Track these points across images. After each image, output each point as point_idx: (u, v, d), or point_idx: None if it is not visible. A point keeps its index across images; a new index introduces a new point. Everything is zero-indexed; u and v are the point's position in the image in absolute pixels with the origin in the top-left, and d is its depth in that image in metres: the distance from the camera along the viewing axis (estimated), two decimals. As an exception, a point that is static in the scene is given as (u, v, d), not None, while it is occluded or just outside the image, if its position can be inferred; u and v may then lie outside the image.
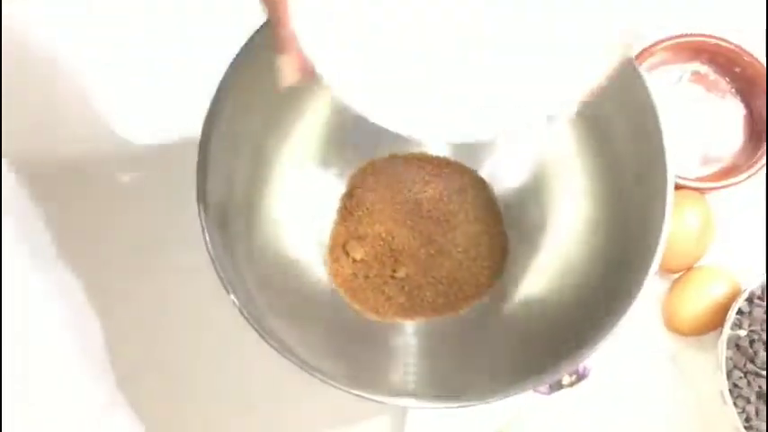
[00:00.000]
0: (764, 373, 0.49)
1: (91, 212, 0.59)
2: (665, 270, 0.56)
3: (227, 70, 0.44)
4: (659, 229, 0.43)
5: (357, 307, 0.55)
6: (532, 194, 0.55)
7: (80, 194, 0.59)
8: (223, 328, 0.54)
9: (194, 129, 0.46)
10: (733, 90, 0.59)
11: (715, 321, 0.53)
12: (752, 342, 0.50)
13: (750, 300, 0.50)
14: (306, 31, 0.30)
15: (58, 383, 0.55)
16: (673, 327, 0.55)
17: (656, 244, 0.43)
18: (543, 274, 0.53)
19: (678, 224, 0.54)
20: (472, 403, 0.43)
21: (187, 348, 0.57)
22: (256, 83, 0.45)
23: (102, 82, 0.60)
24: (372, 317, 0.54)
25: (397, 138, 0.54)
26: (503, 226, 0.56)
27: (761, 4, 0.60)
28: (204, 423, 0.55)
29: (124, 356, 0.56)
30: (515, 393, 0.42)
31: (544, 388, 0.54)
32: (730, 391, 0.49)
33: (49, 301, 0.57)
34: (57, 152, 0.60)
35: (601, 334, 0.42)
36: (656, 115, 0.44)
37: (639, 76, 0.44)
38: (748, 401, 0.49)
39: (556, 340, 0.47)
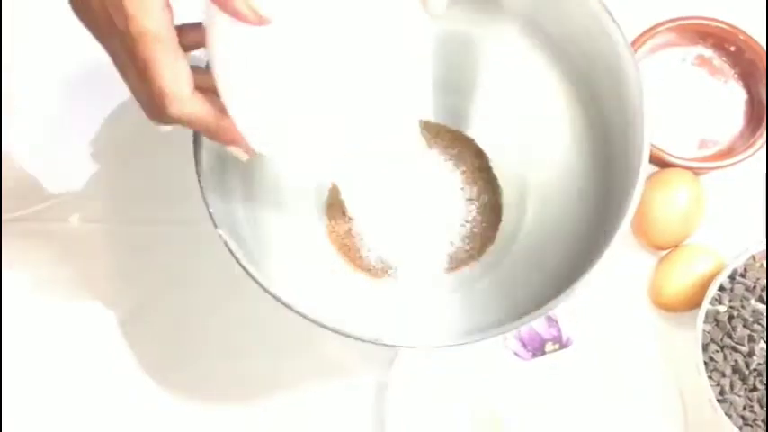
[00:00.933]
0: (741, 348, 0.50)
1: (89, 163, 0.61)
2: (654, 246, 0.57)
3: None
4: (632, 191, 0.44)
5: (351, 265, 0.56)
6: (523, 163, 0.56)
7: (83, 147, 0.61)
8: (218, 277, 0.56)
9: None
10: (735, 75, 0.60)
11: (700, 298, 0.53)
12: (731, 318, 0.51)
13: (732, 277, 0.51)
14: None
15: (58, 323, 0.58)
16: (658, 302, 0.56)
17: (628, 205, 0.44)
18: (529, 237, 0.54)
19: (669, 202, 0.55)
20: (459, 343, 0.44)
21: (182, 296, 0.59)
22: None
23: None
24: (366, 275, 0.56)
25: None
26: (498, 195, 0.57)
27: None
28: (195, 367, 0.57)
29: (124, 303, 0.59)
30: (502, 333, 0.45)
31: (526, 353, 0.56)
32: (706, 363, 0.50)
33: (47, 249, 0.59)
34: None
35: (569, 289, 0.44)
36: (639, 82, 0.45)
37: (627, 47, 0.46)
38: (723, 375, 0.50)
39: (540, 294, 0.49)
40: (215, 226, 0.43)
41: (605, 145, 0.49)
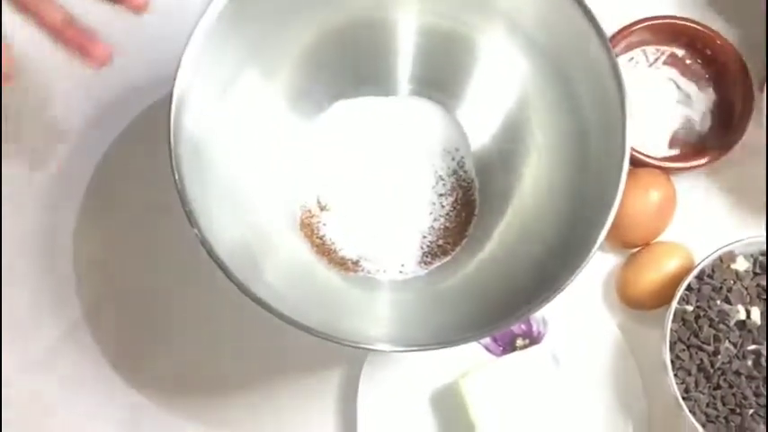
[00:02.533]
0: (707, 347, 0.51)
1: (60, 145, 0.60)
2: (624, 244, 0.57)
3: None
4: (614, 196, 0.45)
5: (325, 259, 0.56)
6: (500, 159, 0.56)
7: (46, 131, 0.60)
8: (190, 264, 0.55)
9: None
10: (707, 75, 0.61)
11: (668, 297, 0.54)
12: (697, 318, 0.52)
13: (700, 277, 0.52)
14: None
15: (18, 313, 0.57)
16: (626, 300, 0.56)
17: (610, 210, 0.45)
18: (504, 236, 0.54)
19: (640, 200, 0.55)
20: (428, 348, 0.45)
21: (153, 283, 0.58)
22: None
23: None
24: (339, 270, 0.56)
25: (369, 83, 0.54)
26: (473, 190, 0.58)
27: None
28: (165, 357, 0.57)
29: (89, 290, 0.58)
30: (473, 340, 0.46)
31: (496, 348, 0.56)
32: (672, 362, 0.51)
33: (12, 236, 0.58)
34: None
35: (549, 293, 0.44)
36: (620, 83, 0.45)
37: (605, 44, 0.46)
38: (689, 373, 0.51)
39: (511, 296, 0.49)
40: (191, 224, 0.43)
41: (585, 148, 0.49)
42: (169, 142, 0.43)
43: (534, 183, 0.54)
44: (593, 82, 0.47)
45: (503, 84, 0.55)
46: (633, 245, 0.57)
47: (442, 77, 0.57)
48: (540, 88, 0.52)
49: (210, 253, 0.42)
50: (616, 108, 0.46)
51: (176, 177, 0.43)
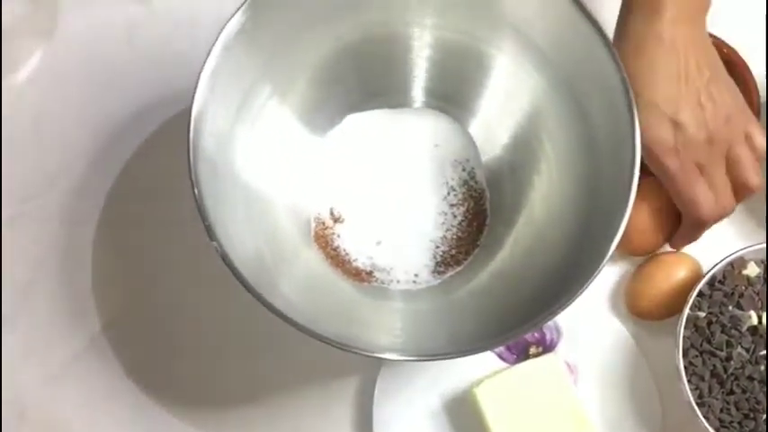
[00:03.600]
0: (719, 353, 0.51)
1: (78, 161, 0.60)
2: (631, 252, 0.58)
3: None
4: (624, 207, 0.45)
5: (339, 270, 0.57)
6: (510, 170, 0.57)
7: (66, 140, 0.61)
8: (206, 278, 0.56)
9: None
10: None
11: (677, 307, 0.54)
12: (710, 324, 0.52)
13: (711, 283, 0.53)
14: None
15: (37, 327, 0.57)
16: (635, 311, 0.57)
17: (621, 221, 0.45)
18: (515, 246, 0.55)
19: (642, 209, 0.55)
20: (443, 357, 0.45)
21: (170, 297, 0.59)
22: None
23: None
24: (353, 280, 0.56)
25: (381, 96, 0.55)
26: (484, 200, 0.58)
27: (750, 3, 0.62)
28: (183, 369, 0.57)
29: (108, 303, 0.58)
30: (485, 350, 0.47)
31: (510, 356, 0.57)
32: (685, 368, 0.51)
33: (29, 249, 0.59)
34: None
35: (563, 302, 0.44)
36: (629, 96, 0.46)
37: (614, 59, 0.46)
38: (702, 379, 0.52)
39: (523, 305, 0.50)
40: (210, 238, 0.43)
41: (595, 160, 0.50)
42: (189, 160, 0.44)
43: (545, 193, 0.54)
44: (603, 96, 0.48)
45: (514, 97, 0.55)
46: (641, 252, 0.57)
47: (454, 91, 0.58)
48: (551, 102, 0.53)
49: (231, 266, 0.43)
50: (626, 122, 0.46)
51: (196, 193, 0.44)
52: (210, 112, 0.46)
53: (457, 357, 0.44)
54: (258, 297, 0.43)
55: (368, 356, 0.44)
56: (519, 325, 0.45)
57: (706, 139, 0.49)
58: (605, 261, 0.45)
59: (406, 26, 0.54)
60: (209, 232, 0.43)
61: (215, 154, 0.48)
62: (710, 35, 0.59)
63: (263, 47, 0.49)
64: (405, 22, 0.54)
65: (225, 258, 0.43)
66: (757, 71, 0.59)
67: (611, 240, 0.45)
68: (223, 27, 0.45)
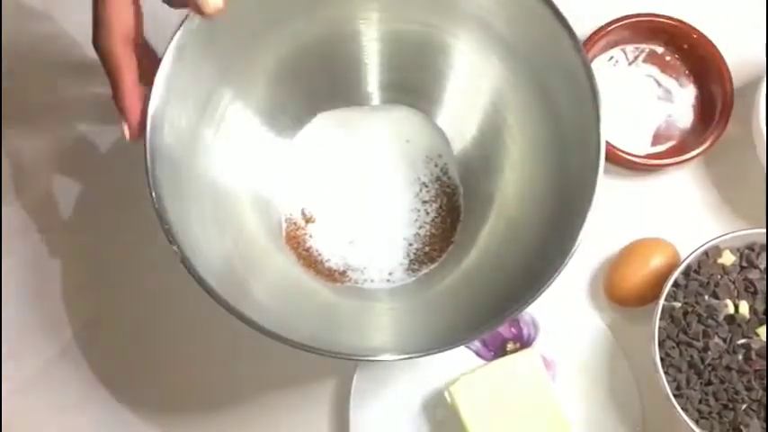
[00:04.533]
0: (696, 343, 0.51)
1: (44, 167, 0.60)
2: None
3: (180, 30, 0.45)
4: (591, 194, 0.45)
5: (311, 271, 0.56)
6: (482, 163, 0.56)
7: (32, 146, 0.60)
8: (178, 283, 0.55)
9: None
10: (687, 72, 0.61)
11: (654, 292, 0.54)
12: (685, 314, 0.51)
13: (686, 273, 0.52)
14: None
15: (9, 335, 0.57)
16: (614, 297, 0.56)
17: (584, 215, 0.45)
18: (489, 241, 0.54)
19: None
20: (418, 354, 0.44)
21: (142, 303, 0.58)
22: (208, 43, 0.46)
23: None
24: (326, 281, 0.56)
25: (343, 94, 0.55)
26: (457, 196, 0.58)
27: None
28: (157, 375, 0.57)
29: (80, 311, 0.58)
30: (460, 344, 0.46)
31: (487, 353, 0.56)
32: (662, 359, 0.51)
33: (4, 256, 0.58)
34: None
35: (535, 291, 0.44)
36: (594, 88, 0.45)
37: (578, 49, 0.46)
38: (679, 370, 0.51)
39: (499, 300, 0.49)
40: (169, 242, 0.43)
41: (563, 148, 0.49)
42: (146, 162, 0.43)
43: (517, 185, 0.54)
44: (568, 87, 0.47)
45: (478, 86, 0.55)
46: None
47: (415, 83, 0.57)
48: (518, 93, 0.52)
49: (191, 269, 0.42)
50: (590, 108, 0.46)
51: (153, 196, 0.43)
52: (169, 115, 0.45)
53: (428, 354, 0.44)
54: (220, 301, 0.42)
55: (341, 359, 0.43)
56: (493, 318, 0.44)
57: None
58: (574, 250, 0.44)
59: (356, 21, 0.53)
60: (168, 236, 0.43)
61: (178, 156, 0.47)
62: (683, 23, 0.59)
63: (220, 48, 0.49)
64: (355, 17, 0.53)
65: (185, 262, 0.42)
66: (728, 57, 0.58)
67: (577, 234, 0.44)
68: (177, 28, 0.45)
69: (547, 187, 0.50)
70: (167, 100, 0.45)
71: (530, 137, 0.52)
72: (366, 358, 0.44)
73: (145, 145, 0.44)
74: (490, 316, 0.46)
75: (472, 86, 0.55)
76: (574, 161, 0.48)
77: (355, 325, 0.54)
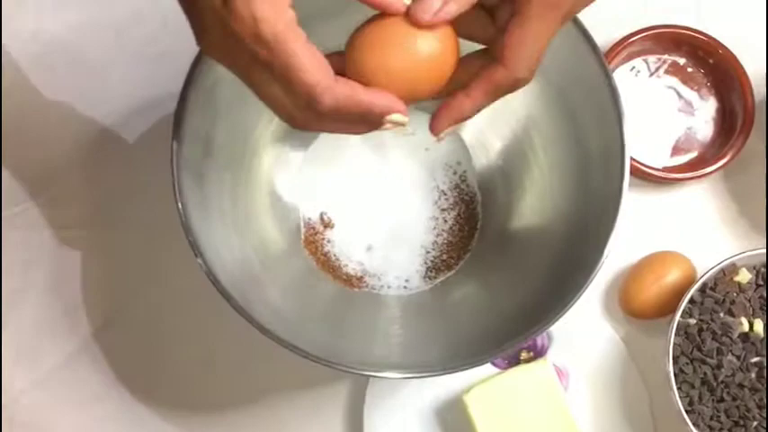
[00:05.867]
0: (710, 360, 0.51)
1: (66, 164, 0.60)
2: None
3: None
4: (615, 211, 0.45)
5: (330, 275, 0.56)
6: (502, 174, 0.57)
7: (54, 143, 0.60)
8: (197, 281, 0.55)
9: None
10: (708, 83, 0.60)
11: (670, 306, 0.54)
12: (700, 331, 0.52)
13: (702, 290, 0.52)
14: None
15: (26, 332, 0.57)
16: (629, 310, 0.57)
17: (611, 226, 0.45)
18: (507, 252, 0.55)
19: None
20: (436, 373, 0.45)
21: (160, 301, 0.58)
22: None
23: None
24: (344, 285, 0.56)
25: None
26: (475, 204, 0.58)
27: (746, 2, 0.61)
28: (173, 375, 0.57)
29: (98, 307, 0.58)
30: (475, 365, 0.45)
31: (501, 362, 0.56)
32: (676, 375, 0.51)
33: (21, 254, 0.58)
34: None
35: (552, 316, 0.44)
36: (618, 108, 0.45)
37: (604, 67, 0.46)
38: (692, 387, 0.51)
39: (516, 313, 0.49)
40: (195, 255, 0.43)
41: (585, 164, 0.49)
42: (172, 173, 0.44)
43: (537, 201, 0.54)
44: (593, 106, 0.47)
45: (506, 103, 0.54)
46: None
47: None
48: (544, 110, 0.52)
49: (215, 283, 0.43)
50: (615, 135, 0.46)
51: (180, 207, 0.43)
52: (193, 122, 0.46)
53: (448, 373, 0.44)
54: (242, 312, 0.43)
55: (354, 373, 0.44)
56: (511, 337, 0.45)
57: None
58: (598, 268, 0.44)
59: None
60: (194, 248, 0.43)
61: (202, 164, 0.48)
62: (706, 35, 0.59)
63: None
64: None
65: (209, 275, 0.43)
66: (751, 71, 0.58)
67: (601, 254, 0.44)
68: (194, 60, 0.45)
69: (569, 201, 0.51)
70: (192, 111, 0.45)
71: (552, 151, 0.52)
72: (380, 375, 0.44)
73: (172, 156, 0.44)
74: (508, 330, 0.47)
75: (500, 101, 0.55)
76: (597, 177, 0.48)
77: (370, 334, 0.54)
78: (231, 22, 0.33)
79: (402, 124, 0.37)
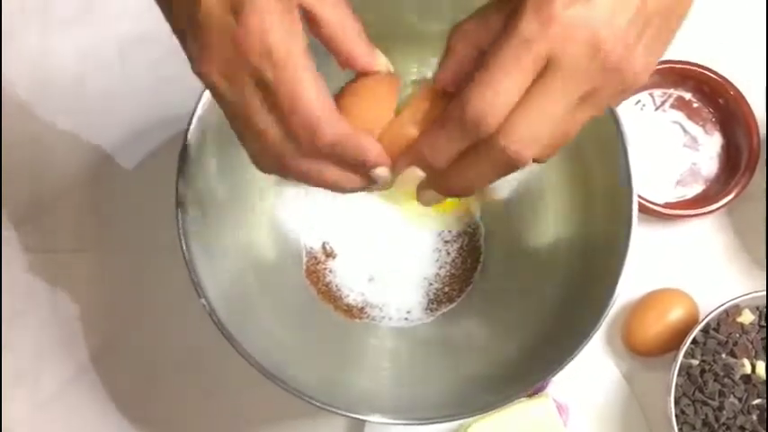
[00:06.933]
0: (712, 402, 0.51)
1: (68, 187, 0.60)
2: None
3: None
4: (624, 251, 0.45)
5: (331, 306, 0.56)
6: (507, 211, 0.56)
7: (56, 166, 0.60)
8: (195, 307, 0.55)
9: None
10: (714, 119, 0.60)
11: (672, 344, 0.54)
12: (702, 372, 0.52)
13: (705, 330, 0.52)
14: None
15: (25, 356, 0.57)
16: (631, 346, 0.56)
17: (620, 269, 0.44)
18: (510, 287, 0.54)
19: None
20: (430, 422, 0.44)
21: (159, 326, 0.58)
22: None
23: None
24: (346, 318, 0.56)
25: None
26: (478, 236, 0.58)
27: (750, 36, 0.61)
28: (170, 400, 0.57)
29: (97, 332, 0.58)
30: (472, 415, 0.45)
31: (502, 397, 0.56)
32: (677, 416, 0.51)
33: (24, 274, 0.58)
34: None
35: (555, 365, 0.44)
36: (624, 142, 0.45)
37: (617, 121, 0.46)
38: (693, 428, 0.51)
39: (516, 352, 0.49)
40: (198, 296, 0.43)
41: (591, 203, 0.49)
42: (177, 212, 0.44)
43: (541, 232, 0.54)
44: (600, 144, 0.47)
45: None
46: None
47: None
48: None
49: (219, 325, 0.43)
50: (623, 176, 0.45)
51: (184, 248, 0.43)
52: (197, 162, 0.46)
53: (449, 421, 0.44)
54: (243, 353, 0.43)
55: (351, 418, 0.44)
56: (513, 382, 0.44)
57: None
58: (604, 317, 0.44)
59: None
60: (197, 288, 0.43)
61: (205, 198, 0.48)
62: (715, 73, 0.58)
63: None
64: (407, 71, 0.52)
65: (212, 316, 0.43)
66: (756, 108, 0.58)
67: (606, 305, 0.44)
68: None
69: (574, 237, 0.50)
70: (199, 146, 0.45)
71: (556, 186, 0.52)
72: (376, 420, 0.44)
73: (177, 192, 0.44)
74: (511, 376, 0.46)
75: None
76: (602, 213, 0.48)
77: (369, 364, 0.54)
78: (239, 35, 0.30)
79: (386, 181, 0.34)
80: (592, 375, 0.56)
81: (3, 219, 0.59)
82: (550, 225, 0.54)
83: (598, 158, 0.49)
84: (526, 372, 0.45)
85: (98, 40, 0.62)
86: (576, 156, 0.51)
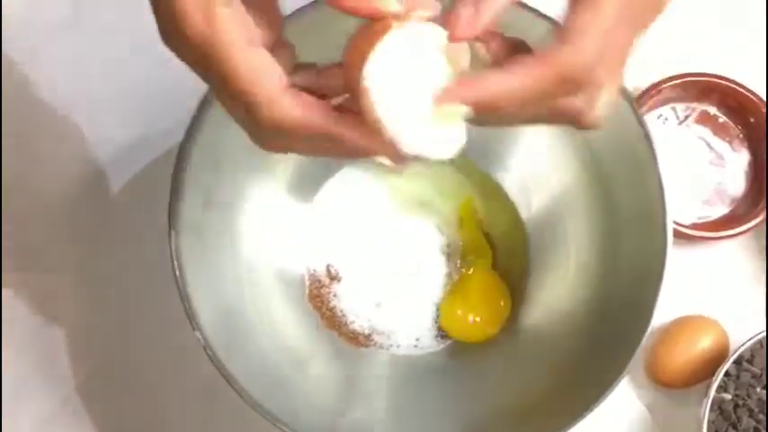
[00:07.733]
0: (746, 439, 0.48)
1: (53, 215, 0.56)
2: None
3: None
4: (656, 285, 0.41)
5: (335, 333, 0.53)
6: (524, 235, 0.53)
7: (41, 184, 0.57)
8: (185, 333, 0.52)
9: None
10: (740, 135, 0.57)
11: (699, 375, 0.51)
12: (736, 407, 0.48)
13: (738, 362, 0.49)
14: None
15: (11, 384, 0.54)
16: (656, 377, 0.53)
17: (653, 300, 0.41)
18: (524, 315, 0.51)
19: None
20: None
21: (147, 354, 0.55)
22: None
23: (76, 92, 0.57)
24: (351, 345, 0.52)
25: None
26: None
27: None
28: (158, 430, 0.54)
29: (83, 361, 0.55)
30: None
31: None
32: (710, 455, 0.47)
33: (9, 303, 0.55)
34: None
35: (584, 410, 0.41)
36: (656, 165, 0.42)
37: (641, 124, 0.42)
38: (727, 468, 0.48)
39: (528, 393, 0.46)
40: (193, 328, 0.39)
41: (616, 250, 0.46)
42: (170, 237, 0.40)
43: (559, 273, 0.50)
44: (631, 174, 0.44)
45: (535, 157, 0.51)
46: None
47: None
48: (578, 180, 0.49)
49: (215, 360, 0.39)
50: (653, 186, 0.42)
51: (178, 276, 0.40)
52: (192, 181, 0.42)
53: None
54: (242, 394, 0.39)
55: None
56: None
57: None
58: (623, 374, 0.41)
59: None
60: (192, 322, 0.40)
61: (200, 224, 0.45)
62: (734, 82, 0.55)
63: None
64: None
65: (207, 350, 0.40)
66: None
67: (630, 353, 0.41)
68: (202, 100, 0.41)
69: (598, 271, 0.47)
70: (193, 163, 0.42)
71: (582, 230, 0.49)
72: None
73: (169, 218, 0.41)
74: (523, 411, 0.43)
75: (530, 155, 0.51)
76: (628, 262, 0.45)
77: (374, 398, 0.51)
78: (176, 19, 0.28)
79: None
80: (613, 408, 0.52)
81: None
82: (571, 270, 0.50)
83: (626, 180, 0.45)
84: (547, 412, 0.42)
85: (88, 52, 0.58)
86: (600, 180, 0.47)
